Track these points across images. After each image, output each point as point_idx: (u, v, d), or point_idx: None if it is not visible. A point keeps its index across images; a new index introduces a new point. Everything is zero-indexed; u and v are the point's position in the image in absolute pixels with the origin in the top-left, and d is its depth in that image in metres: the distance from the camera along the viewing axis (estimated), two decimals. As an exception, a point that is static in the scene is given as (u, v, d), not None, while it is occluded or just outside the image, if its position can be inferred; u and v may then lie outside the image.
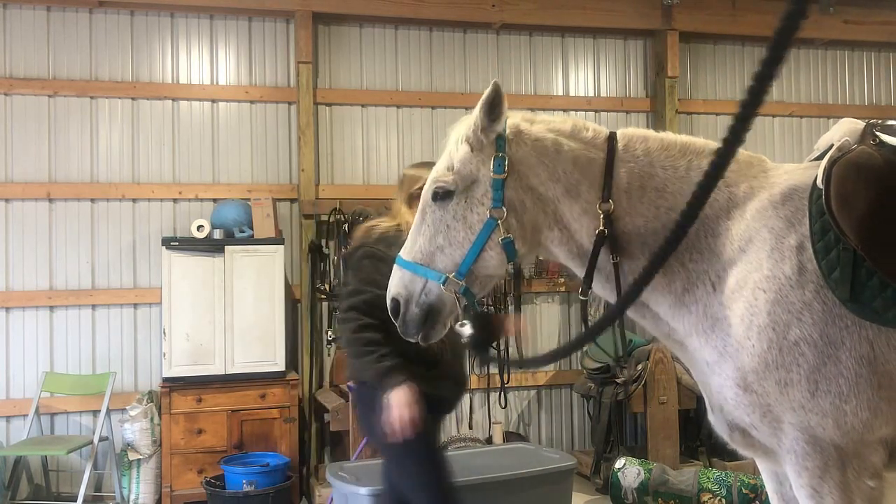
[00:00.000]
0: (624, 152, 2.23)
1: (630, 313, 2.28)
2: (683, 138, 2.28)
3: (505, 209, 2.19)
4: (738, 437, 2.16)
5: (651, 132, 2.30)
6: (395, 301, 2.29)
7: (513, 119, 2.27)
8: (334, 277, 6.43)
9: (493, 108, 2.20)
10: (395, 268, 2.30)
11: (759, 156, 2.28)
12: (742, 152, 2.21)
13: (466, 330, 2.29)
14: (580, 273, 2.31)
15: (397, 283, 2.28)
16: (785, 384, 1.98)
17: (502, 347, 6.72)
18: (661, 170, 2.21)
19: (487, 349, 2.40)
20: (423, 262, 2.25)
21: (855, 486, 1.98)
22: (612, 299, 2.26)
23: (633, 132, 2.28)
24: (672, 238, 2.01)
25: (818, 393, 1.96)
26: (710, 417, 2.27)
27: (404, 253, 2.30)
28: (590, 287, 2.23)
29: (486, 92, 2.20)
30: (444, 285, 2.21)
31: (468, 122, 2.27)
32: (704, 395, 2.27)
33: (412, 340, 2.34)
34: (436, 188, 2.25)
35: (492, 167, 2.21)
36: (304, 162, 6.48)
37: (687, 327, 2.16)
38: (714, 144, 2.27)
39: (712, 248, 2.12)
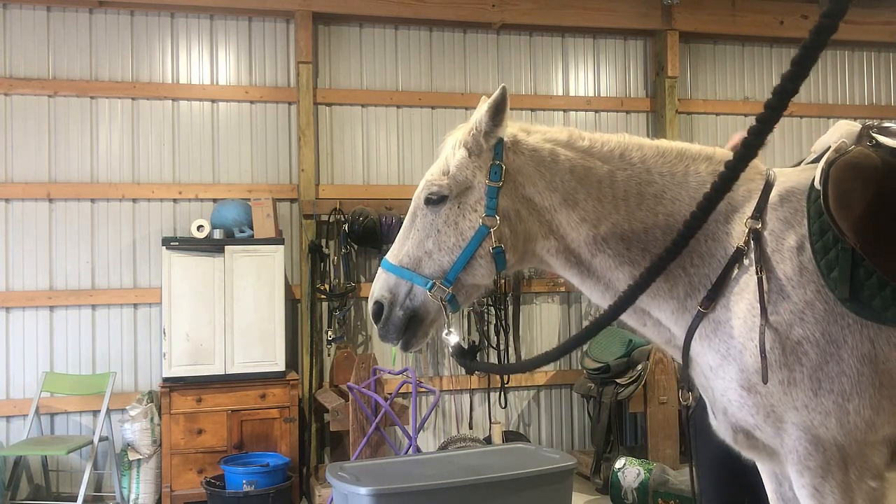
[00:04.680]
0: (620, 160, 2.23)
1: (631, 321, 2.28)
2: (679, 144, 2.28)
3: (498, 218, 2.18)
4: (742, 439, 2.15)
5: (646, 140, 2.30)
6: (378, 304, 2.27)
7: (511, 129, 2.26)
8: (334, 277, 6.43)
9: (499, 112, 2.20)
10: (381, 271, 2.29)
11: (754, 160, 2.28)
12: None
13: (452, 339, 2.29)
14: (576, 283, 2.29)
15: (381, 286, 2.27)
16: (788, 383, 1.98)
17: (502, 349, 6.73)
18: (658, 176, 2.21)
19: (473, 358, 2.38)
20: (409, 266, 2.24)
21: (857, 487, 1.98)
22: None
23: (628, 140, 2.28)
24: (672, 248, 2.00)
25: (821, 392, 1.96)
26: (713, 422, 2.27)
27: (390, 256, 2.29)
28: None
29: (494, 95, 2.19)
30: (430, 291, 2.21)
31: (468, 126, 2.27)
32: (706, 400, 2.27)
33: (392, 344, 2.32)
34: (429, 192, 2.24)
35: (488, 175, 2.20)
36: (304, 162, 6.49)
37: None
38: (708, 149, 2.27)
39: (713, 252, 2.13)
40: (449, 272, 2.21)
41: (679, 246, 1.99)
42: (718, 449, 2.53)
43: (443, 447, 6.30)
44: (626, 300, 2.07)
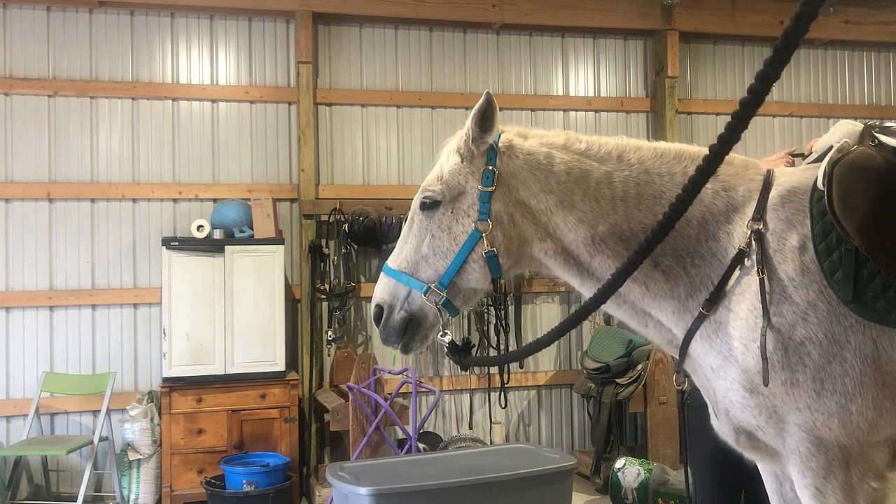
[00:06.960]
0: (618, 162, 2.23)
1: (633, 323, 2.28)
2: (677, 146, 2.29)
3: (491, 222, 2.20)
4: (743, 440, 2.15)
5: (644, 142, 2.30)
6: (379, 307, 2.31)
7: (507, 135, 2.28)
8: (334, 277, 6.43)
9: (485, 119, 2.22)
10: (382, 275, 2.34)
11: (754, 160, 2.29)
12: (737, 156, 2.20)
13: (446, 338, 2.31)
14: (576, 284, 2.29)
15: (382, 291, 2.32)
16: (791, 384, 1.98)
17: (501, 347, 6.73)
18: (657, 177, 2.21)
19: (467, 353, 2.41)
20: (407, 270, 2.28)
21: (858, 487, 1.98)
22: (614, 310, 2.27)
23: (626, 142, 2.28)
24: (659, 229, 1.98)
25: (824, 392, 1.96)
26: (714, 423, 2.26)
27: (391, 261, 2.33)
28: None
29: (479, 102, 2.21)
30: (426, 295, 2.24)
31: (461, 132, 2.29)
32: (707, 401, 2.27)
33: (394, 348, 2.35)
34: (424, 197, 2.27)
35: (480, 179, 2.22)
36: (304, 162, 6.48)
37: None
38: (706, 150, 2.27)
39: (714, 253, 2.13)
40: (443, 276, 2.24)
41: (666, 227, 1.97)
42: (713, 446, 2.54)
43: (443, 447, 6.30)
44: (615, 281, 2.07)
